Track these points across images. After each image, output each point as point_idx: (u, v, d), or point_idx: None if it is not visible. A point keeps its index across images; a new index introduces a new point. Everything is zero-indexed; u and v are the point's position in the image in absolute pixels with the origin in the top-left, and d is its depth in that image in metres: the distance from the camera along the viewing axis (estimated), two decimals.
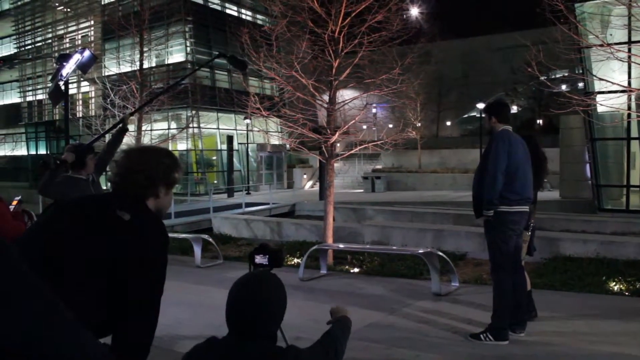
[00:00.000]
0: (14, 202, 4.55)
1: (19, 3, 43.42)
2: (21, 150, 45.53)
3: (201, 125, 33.20)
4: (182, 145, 34.33)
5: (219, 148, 35.97)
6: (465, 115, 57.40)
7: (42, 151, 42.55)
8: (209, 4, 36.60)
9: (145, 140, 15.87)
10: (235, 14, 37.15)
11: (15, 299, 0.85)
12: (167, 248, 2.06)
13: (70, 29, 39.97)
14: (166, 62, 31.57)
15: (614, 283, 7.81)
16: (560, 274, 8.44)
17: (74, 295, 1.83)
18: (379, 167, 40.75)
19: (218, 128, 35.55)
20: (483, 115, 6.97)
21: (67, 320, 0.93)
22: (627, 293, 7.49)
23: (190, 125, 28.72)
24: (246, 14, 37.25)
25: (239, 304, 1.92)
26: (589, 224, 14.93)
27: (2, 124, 48.05)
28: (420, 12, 14.04)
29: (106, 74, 22.74)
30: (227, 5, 37.62)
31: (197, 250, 10.67)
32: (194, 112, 30.28)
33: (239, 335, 1.90)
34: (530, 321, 5.79)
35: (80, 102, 37.86)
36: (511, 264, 5.42)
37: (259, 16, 35.44)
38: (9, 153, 46.04)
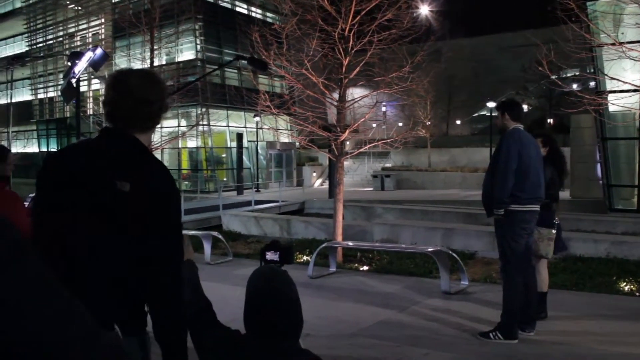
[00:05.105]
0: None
1: (31, 1, 43.68)
2: (33, 148, 45.79)
3: (211, 122, 33.28)
4: (192, 143, 34.43)
5: (228, 146, 36.04)
6: (476, 114, 57.17)
7: (54, 148, 42.81)
8: (219, 2, 36.64)
9: (156, 137, 15.90)
10: (245, 12, 37.17)
11: (36, 302, 0.85)
12: (173, 197, 2.02)
13: (81, 27, 40.16)
14: (176, 60, 31.65)
15: (625, 283, 7.77)
16: (571, 273, 8.40)
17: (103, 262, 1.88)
18: (388, 165, 40.70)
19: (228, 126, 35.62)
20: (495, 114, 6.98)
21: (87, 324, 0.93)
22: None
23: (200, 122, 28.78)
24: (256, 12, 37.26)
25: (264, 299, 1.84)
26: (599, 223, 14.84)
27: (14, 121, 48.35)
28: (430, 11, 13.98)
29: None
30: (237, 3, 37.66)
31: (207, 247, 10.71)
32: (203, 109, 30.34)
33: (265, 336, 1.81)
34: (540, 320, 5.77)
35: (91, 99, 38.05)
36: (522, 262, 5.40)
37: (269, 14, 35.42)
38: (20, 150, 46.33)
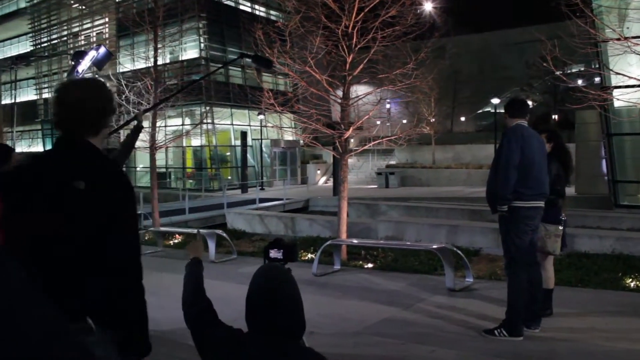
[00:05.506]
0: None
1: (35, 1, 43.80)
2: (37, 147, 45.96)
3: (215, 121, 33.28)
4: (196, 141, 34.45)
5: (232, 144, 36.07)
6: (480, 111, 57.09)
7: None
8: (223, 0, 36.64)
9: (160, 136, 15.92)
10: (249, 10, 37.17)
11: (24, 303, 0.85)
12: (127, 197, 2.09)
13: (85, 26, 40.26)
14: (180, 59, 31.69)
15: (631, 280, 7.73)
16: (576, 270, 8.37)
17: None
18: (392, 162, 40.66)
19: (232, 124, 35.64)
20: (500, 111, 6.97)
21: (67, 324, 0.94)
22: None
23: (204, 121, 28.80)
24: (260, 10, 37.26)
25: (264, 297, 1.85)
26: (604, 219, 14.77)
27: (19, 121, 48.55)
28: (434, 7, 13.94)
29: (121, 70, 22.86)
30: (240, 1, 37.66)
31: (212, 245, 10.72)
32: (208, 108, 30.36)
33: (267, 335, 1.80)
34: (545, 317, 5.76)
35: None
36: (526, 259, 5.39)
37: (272, 12, 35.44)
38: (25, 149, 46.49)
